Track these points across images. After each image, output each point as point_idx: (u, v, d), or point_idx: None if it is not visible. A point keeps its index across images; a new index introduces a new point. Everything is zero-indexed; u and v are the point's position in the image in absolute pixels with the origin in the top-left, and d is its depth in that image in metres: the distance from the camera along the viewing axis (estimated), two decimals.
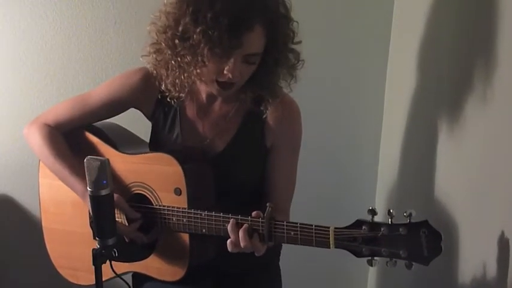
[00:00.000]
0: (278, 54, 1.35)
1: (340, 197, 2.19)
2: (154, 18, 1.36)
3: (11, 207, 2.17)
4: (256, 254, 1.29)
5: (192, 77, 1.34)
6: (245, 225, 1.27)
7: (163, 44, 1.33)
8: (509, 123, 1.19)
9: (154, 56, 1.38)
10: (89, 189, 1.25)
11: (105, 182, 1.24)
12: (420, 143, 1.75)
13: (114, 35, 2.03)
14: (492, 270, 1.23)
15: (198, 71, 1.31)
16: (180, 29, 1.28)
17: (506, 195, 1.18)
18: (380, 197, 2.16)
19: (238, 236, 1.26)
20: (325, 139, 2.12)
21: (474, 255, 1.34)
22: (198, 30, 1.25)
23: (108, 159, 1.24)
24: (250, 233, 1.27)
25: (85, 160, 1.24)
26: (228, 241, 1.28)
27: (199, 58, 1.29)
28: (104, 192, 1.25)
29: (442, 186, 1.55)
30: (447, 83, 1.55)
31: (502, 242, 1.19)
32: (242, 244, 1.26)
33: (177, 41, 1.30)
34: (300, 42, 1.39)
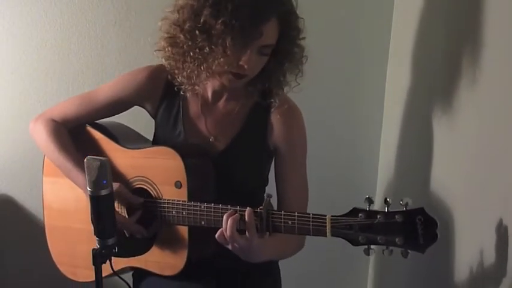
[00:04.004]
0: (289, 47, 1.38)
1: (340, 194, 2.18)
2: (167, 13, 1.37)
3: (11, 207, 2.17)
4: (240, 255, 1.31)
5: (214, 67, 1.34)
6: (237, 215, 1.28)
7: (181, 37, 1.34)
8: (501, 115, 1.21)
9: (169, 49, 1.38)
10: (89, 189, 1.25)
11: (105, 182, 1.24)
12: (419, 141, 1.76)
13: (114, 35, 2.03)
14: (490, 261, 1.24)
15: (217, 62, 1.33)
16: (201, 20, 1.30)
17: (503, 186, 1.19)
18: (380, 194, 2.16)
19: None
20: (325, 138, 2.12)
21: (472, 247, 1.34)
22: (219, 21, 1.28)
23: (108, 159, 1.24)
24: (241, 225, 1.27)
25: (85, 160, 1.24)
26: (219, 230, 1.30)
27: (221, 48, 1.31)
28: (104, 192, 1.25)
29: (441, 179, 1.57)
30: (445, 82, 1.55)
31: (500, 233, 1.19)
32: (228, 232, 1.27)
33: (197, 32, 1.32)
34: (304, 38, 1.42)
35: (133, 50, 2.02)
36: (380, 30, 2.05)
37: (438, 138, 1.59)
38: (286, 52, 1.39)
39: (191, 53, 1.35)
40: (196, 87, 1.43)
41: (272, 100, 1.46)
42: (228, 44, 1.29)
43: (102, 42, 2.04)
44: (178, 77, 1.42)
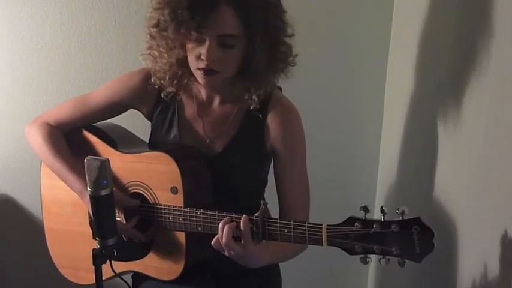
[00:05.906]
0: (258, 40, 1.33)
1: (340, 196, 2.19)
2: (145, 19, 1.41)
3: (11, 207, 2.17)
4: (238, 261, 1.30)
5: (169, 60, 1.38)
6: (233, 223, 1.28)
7: (149, 37, 1.40)
8: (507, 120, 1.20)
9: (148, 51, 1.43)
10: (89, 189, 1.25)
11: (105, 182, 1.24)
12: (420, 142, 1.75)
13: (114, 35, 2.04)
14: (494, 271, 1.23)
15: (167, 55, 1.37)
16: (157, 18, 1.35)
17: (508, 194, 1.18)
18: (380, 196, 2.16)
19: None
20: (325, 139, 2.12)
21: (474, 253, 1.34)
22: (165, 13, 1.31)
23: (108, 159, 1.24)
24: (236, 232, 1.27)
25: (85, 160, 1.24)
26: (215, 237, 1.30)
27: (169, 41, 1.35)
28: (104, 192, 1.24)
29: (442, 184, 1.56)
30: (446, 83, 1.55)
31: (505, 242, 1.18)
32: (224, 240, 1.26)
33: (154, 30, 1.37)
34: (292, 35, 1.39)
35: (133, 50, 2.01)
36: (380, 30, 2.05)
37: (440, 141, 1.57)
38: (258, 45, 1.33)
39: (155, 52, 1.39)
40: (173, 89, 1.44)
41: (256, 99, 1.42)
42: (172, 35, 1.32)
43: (102, 42, 2.04)
44: (157, 80, 1.44)
